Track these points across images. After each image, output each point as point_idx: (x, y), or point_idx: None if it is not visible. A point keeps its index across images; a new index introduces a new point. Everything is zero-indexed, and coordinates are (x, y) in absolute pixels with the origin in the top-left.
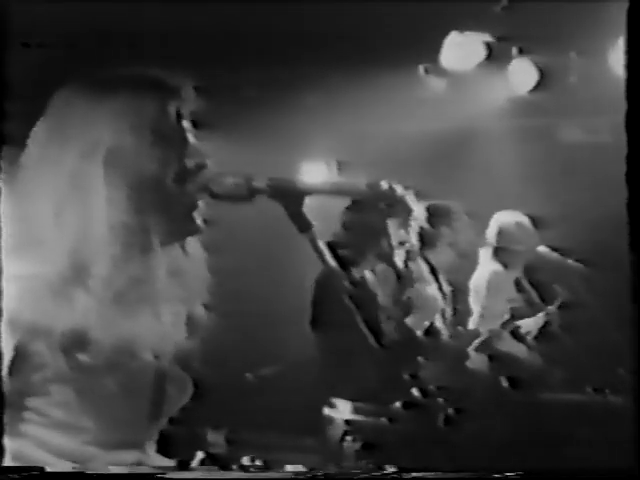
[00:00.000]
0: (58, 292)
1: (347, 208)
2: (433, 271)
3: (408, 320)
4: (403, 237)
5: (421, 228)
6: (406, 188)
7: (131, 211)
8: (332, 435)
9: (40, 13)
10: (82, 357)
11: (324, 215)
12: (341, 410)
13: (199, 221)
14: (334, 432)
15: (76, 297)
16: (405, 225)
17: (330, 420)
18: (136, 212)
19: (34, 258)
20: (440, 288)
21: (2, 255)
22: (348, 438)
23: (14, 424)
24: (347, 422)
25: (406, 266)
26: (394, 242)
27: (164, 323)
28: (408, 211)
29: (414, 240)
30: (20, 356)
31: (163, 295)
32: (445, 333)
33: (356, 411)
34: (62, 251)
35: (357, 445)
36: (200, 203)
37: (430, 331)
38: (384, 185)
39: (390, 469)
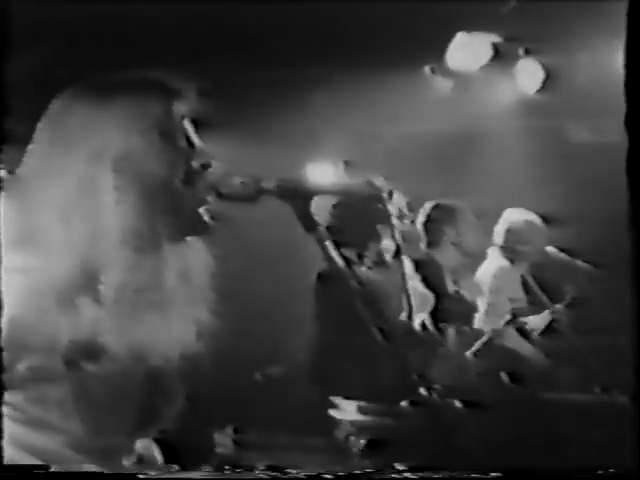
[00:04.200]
0: (64, 298)
1: (353, 207)
2: (438, 270)
3: (413, 319)
4: (408, 236)
5: (426, 228)
6: (412, 188)
7: (141, 214)
8: (339, 435)
9: (40, 13)
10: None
11: (330, 215)
12: (347, 410)
13: (207, 222)
14: (341, 432)
15: (81, 303)
16: (410, 225)
17: (337, 420)
18: (146, 215)
19: (39, 265)
20: (444, 287)
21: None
22: (353, 438)
23: None
24: (352, 423)
25: (413, 264)
26: (400, 241)
27: (172, 327)
28: (414, 211)
29: (419, 239)
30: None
31: (171, 299)
32: (451, 331)
33: (363, 411)
34: (71, 258)
35: (363, 444)
36: (208, 204)
37: (435, 329)
38: (390, 185)
39: (399, 467)
